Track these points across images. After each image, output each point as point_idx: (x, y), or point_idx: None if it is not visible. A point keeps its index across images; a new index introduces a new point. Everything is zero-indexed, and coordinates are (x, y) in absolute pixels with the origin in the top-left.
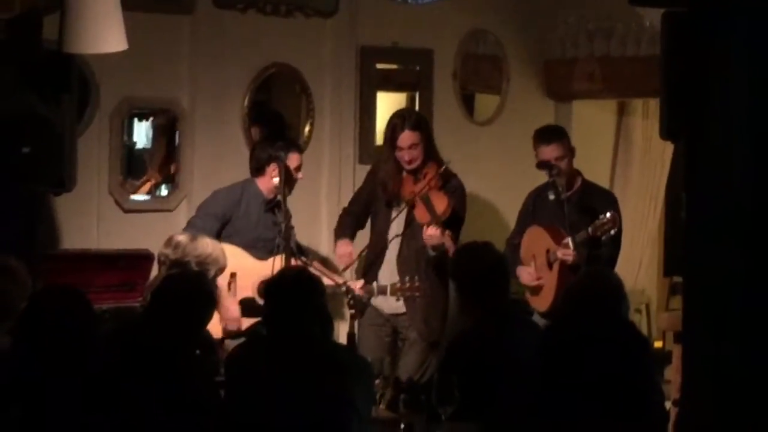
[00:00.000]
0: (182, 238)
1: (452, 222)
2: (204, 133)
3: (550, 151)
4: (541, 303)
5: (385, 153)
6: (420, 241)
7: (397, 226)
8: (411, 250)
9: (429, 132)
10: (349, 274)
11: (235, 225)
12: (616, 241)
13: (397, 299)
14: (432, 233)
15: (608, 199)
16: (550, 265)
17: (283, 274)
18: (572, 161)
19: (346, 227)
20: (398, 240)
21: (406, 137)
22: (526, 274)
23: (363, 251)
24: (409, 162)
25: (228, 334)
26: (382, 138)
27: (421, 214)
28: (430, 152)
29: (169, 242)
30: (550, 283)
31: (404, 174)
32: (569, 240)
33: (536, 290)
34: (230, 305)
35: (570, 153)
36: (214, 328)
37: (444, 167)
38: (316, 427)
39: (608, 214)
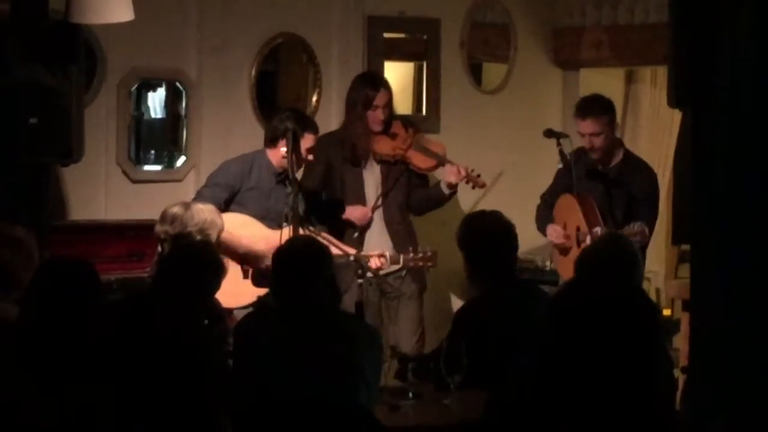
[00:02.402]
0: (176, 210)
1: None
2: (211, 103)
3: (585, 127)
4: (567, 272)
5: (353, 116)
6: (401, 197)
7: (375, 186)
8: (395, 206)
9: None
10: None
11: (246, 195)
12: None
13: (404, 273)
14: (451, 170)
15: (647, 182)
16: (578, 242)
17: (291, 243)
18: (610, 136)
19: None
20: (379, 198)
21: (383, 96)
22: (554, 232)
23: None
24: (383, 120)
25: (259, 282)
26: (350, 103)
27: (420, 160)
28: (393, 111)
29: (165, 218)
30: (576, 257)
31: (375, 136)
32: (599, 229)
33: (564, 258)
34: (259, 247)
35: (608, 128)
36: (224, 297)
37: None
38: (324, 396)
39: (636, 226)
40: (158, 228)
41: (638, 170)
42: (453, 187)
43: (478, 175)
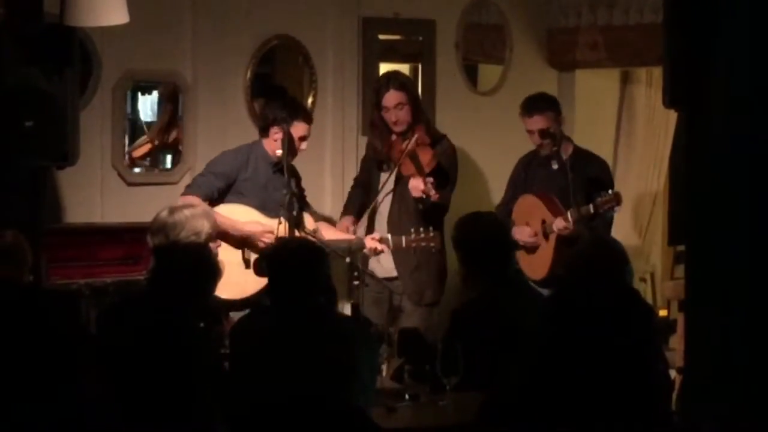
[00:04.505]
0: (163, 215)
1: (437, 176)
2: (207, 106)
3: (532, 123)
4: (536, 272)
5: (373, 116)
6: (409, 202)
7: (387, 188)
8: (401, 211)
9: (415, 94)
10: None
11: (244, 186)
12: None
13: (414, 252)
14: (414, 184)
15: (601, 167)
16: (545, 235)
17: (286, 245)
18: (558, 131)
19: (353, 201)
20: (389, 202)
21: (391, 97)
22: (522, 232)
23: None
24: (396, 122)
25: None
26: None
27: (407, 168)
28: (418, 115)
29: (151, 227)
30: (545, 252)
31: (393, 137)
32: (569, 213)
33: (530, 257)
34: (253, 227)
35: (554, 123)
36: (228, 289)
37: (428, 126)
38: (320, 397)
39: (610, 192)
40: (148, 239)
41: (590, 160)
42: (421, 202)
43: (441, 192)
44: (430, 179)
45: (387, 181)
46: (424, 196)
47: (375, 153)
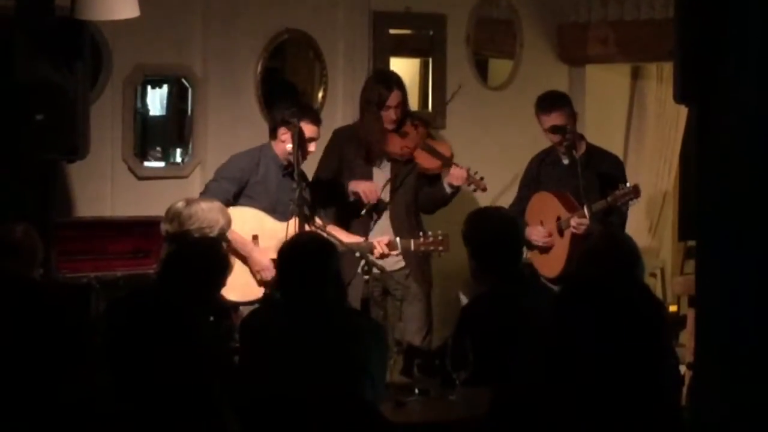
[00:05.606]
0: (177, 208)
1: None
2: (217, 100)
3: (551, 120)
4: (551, 269)
5: (369, 115)
6: (410, 195)
7: (382, 183)
8: (401, 204)
9: (406, 92)
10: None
11: (254, 189)
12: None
13: (420, 254)
14: (456, 173)
15: (615, 163)
16: (560, 232)
17: (297, 240)
18: (574, 128)
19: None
20: (386, 196)
21: (395, 96)
22: (537, 233)
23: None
24: (395, 120)
25: (267, 285)
26: (364, 101)
27: (426, 161)
28: (408, 111)
29: (167, 215)
30: (560, 249)
31: (387, 134)
32: (585, 209)
33: (544, 255)
34: (258, 256)
35: (571, 120)
36: (235, 292)
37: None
38: (330, 391)
39: (628, 184)
40: (161, 226)
41: (604, 156)
42: (455, 188)
43: (481, 178)
44: (470, 168)
45: (380, 176)
46: (467, 185)
47: (370, 151)
